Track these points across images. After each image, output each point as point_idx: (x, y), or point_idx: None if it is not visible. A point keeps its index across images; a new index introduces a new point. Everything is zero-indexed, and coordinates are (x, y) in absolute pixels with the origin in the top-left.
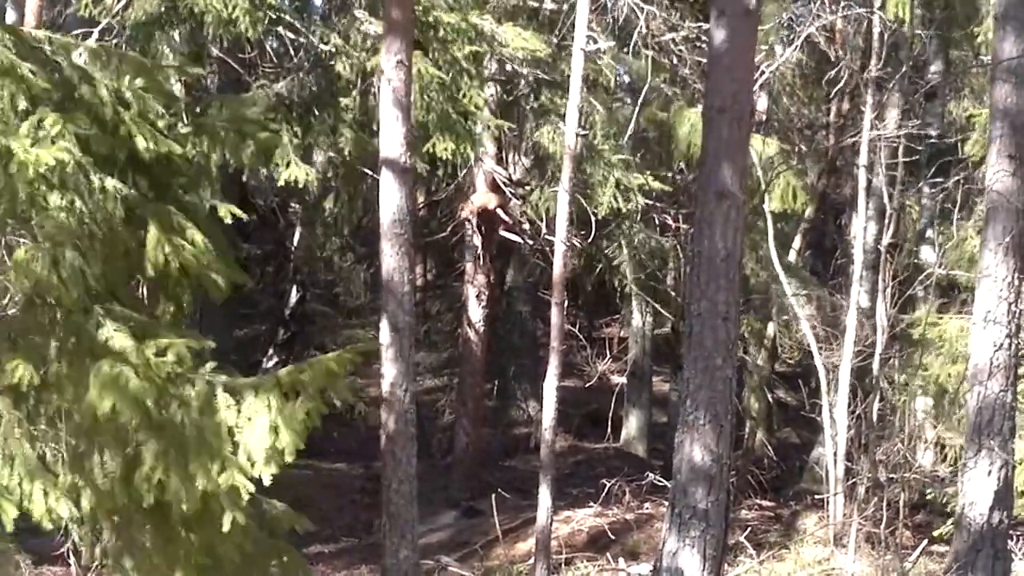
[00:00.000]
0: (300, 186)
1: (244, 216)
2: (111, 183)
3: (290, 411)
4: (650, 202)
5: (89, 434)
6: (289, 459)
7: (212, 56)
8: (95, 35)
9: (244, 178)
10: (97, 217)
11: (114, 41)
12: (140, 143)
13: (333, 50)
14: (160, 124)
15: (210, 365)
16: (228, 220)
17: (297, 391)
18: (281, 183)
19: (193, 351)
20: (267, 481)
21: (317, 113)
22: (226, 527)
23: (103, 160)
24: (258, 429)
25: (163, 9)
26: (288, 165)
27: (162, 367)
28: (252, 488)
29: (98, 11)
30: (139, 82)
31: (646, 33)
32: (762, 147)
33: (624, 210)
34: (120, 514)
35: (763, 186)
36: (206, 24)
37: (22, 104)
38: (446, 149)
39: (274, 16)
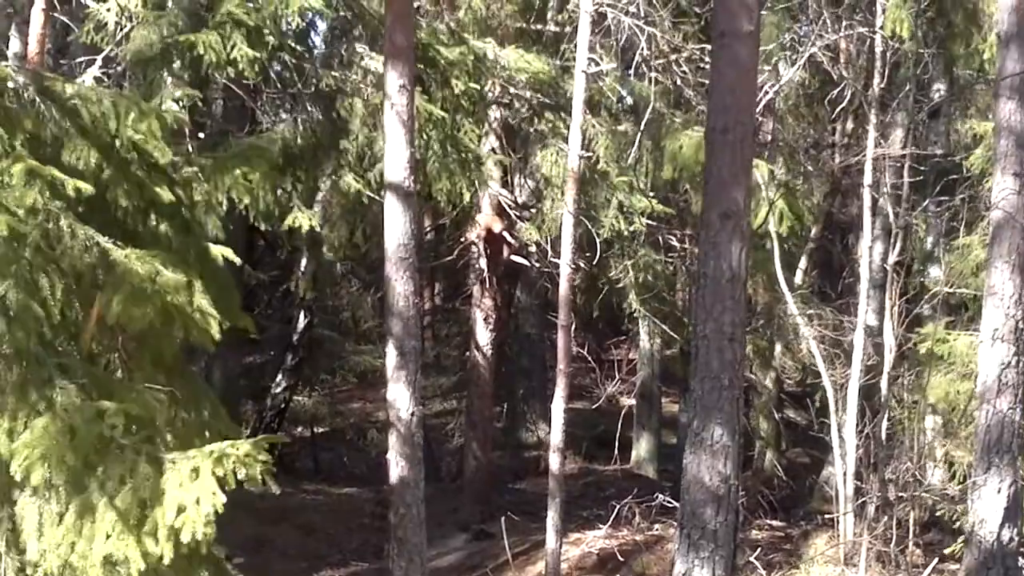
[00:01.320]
0: (304, 231)
1: (238, 261)
2: (82, 231)
3: (197, 493)
4: (654, 223)
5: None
6: (197, 538)
7: (216, 82)
8: (99, 62)
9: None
10: (63, 265)
11: (118, 67)
12: (122, 194)
13: (335, 84)
14: (161, 161)
15: (144, 433)
16: (226, 257)
17: (213, 471)
18: (285, 227)
19: (132, 416)
20: (167, 560)
21: (323, 151)
22: None
23: (89, 205)
24: (167, 507)
25: (161, 48)
26: (292, 210)
27: (92, 430)
28: (143, 566)
29: (101, 38)
30: (139, 125)
31: (648, 55)
32: (766, 169)
33: (627, 232)
34: None
35: (768, 207)
36: (205, 63)
37: None
38: (441, 189)
39: (276, 43)
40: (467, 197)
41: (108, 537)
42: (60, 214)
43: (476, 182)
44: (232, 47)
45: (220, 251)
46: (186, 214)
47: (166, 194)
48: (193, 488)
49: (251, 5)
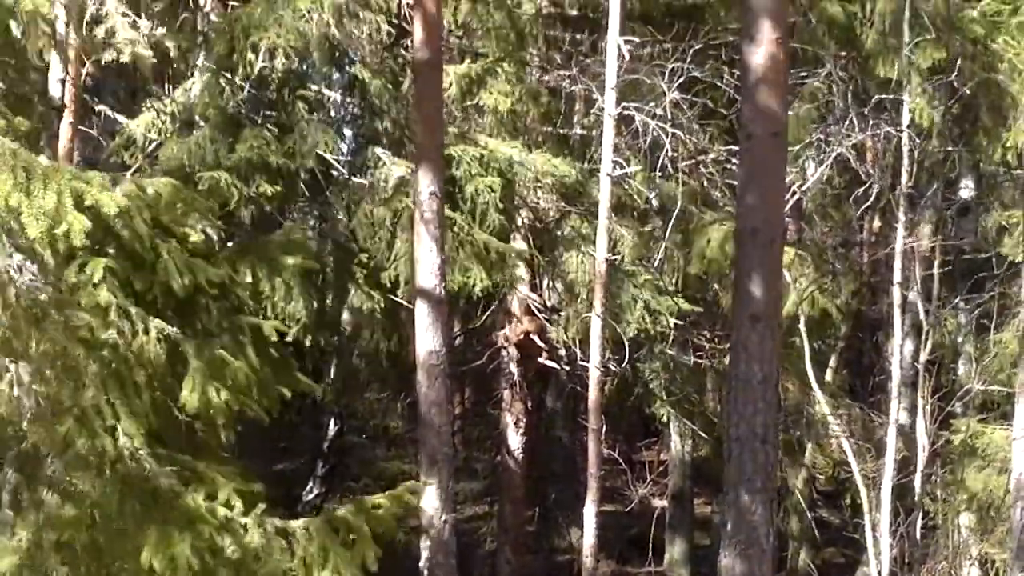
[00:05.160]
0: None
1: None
2: (154, 324)
3: (346, 557)
4: (681, 323)
5: None
6: None
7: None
8: (127, 177)
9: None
10: (141, 359)
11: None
12: (176, 279)
13: (360, 193)
14: (201, 246)
15: (260, 507)
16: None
17: (350, 533)
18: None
19: (242, 493)
20: None
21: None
22: None
23: (142, 295)
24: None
25: (186, 175)
26: (298, 322)
27: (214, 513)
28: None
29: (130, 155)
30: (175, 206)
31: (674, 156)
32: (792, 264)
33: (653, 332)
34: None
35: (797, 306)
36: (230, 200)
37: (59, 230)
38: (481, 280)
39: (308, 162)
40: (499, 283)
41: None
42: (131, 310)
43: (506, 281)
44: (256, 186)
45: (272, 325)
46: (235, 293)
47: (214, 273)
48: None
49: (271, 135)
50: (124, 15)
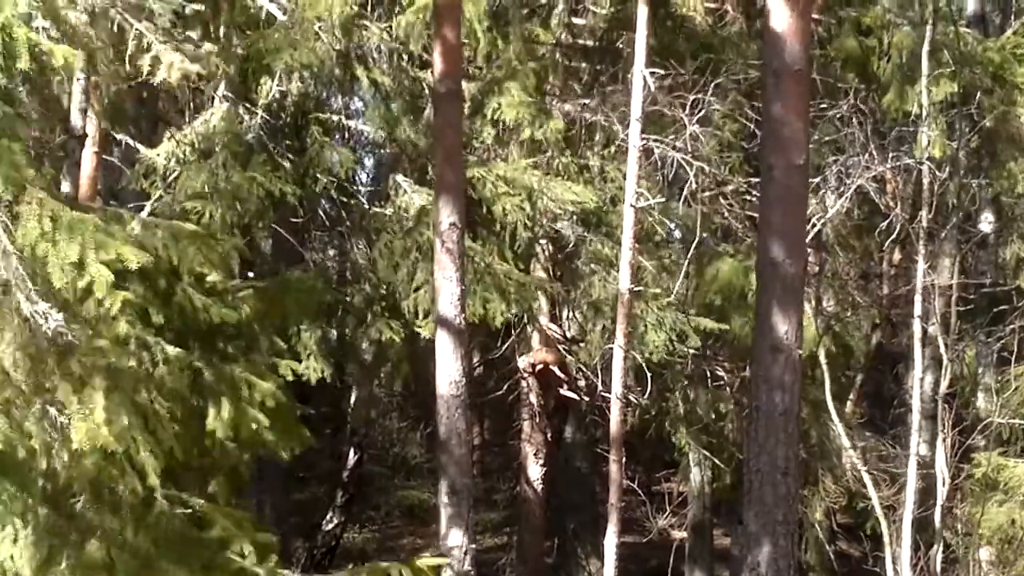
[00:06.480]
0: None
1: (302, 370)
2: (173, 352)
3: None
4: (697, 352)
5: None
6: None
7: (265, 221)
8: (148, 207)
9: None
10: (163, 390)
11: (173, 207)
12: (195, 311)
13: (380, 224)
14: (218, 287)
15: (273, 558)
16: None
17: None
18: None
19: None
20: None
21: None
22: None
23: (160, 330)
24: None
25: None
26: (309, 357)
27: (229, 562)
28: None
29: (150, 183)
30: (191, 250)
31: (696, 188)
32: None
33: (679, 352)
34: None
35: (819, 338)
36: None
37: (82, 282)
38: (502, 312)
39: (326, 182)
40: (518, 317)
41: None
42: (150, 340)
43: (526, 314)
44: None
45: (288, 364)
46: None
47: (230, 315)
48: None
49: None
50: (163, 42)
